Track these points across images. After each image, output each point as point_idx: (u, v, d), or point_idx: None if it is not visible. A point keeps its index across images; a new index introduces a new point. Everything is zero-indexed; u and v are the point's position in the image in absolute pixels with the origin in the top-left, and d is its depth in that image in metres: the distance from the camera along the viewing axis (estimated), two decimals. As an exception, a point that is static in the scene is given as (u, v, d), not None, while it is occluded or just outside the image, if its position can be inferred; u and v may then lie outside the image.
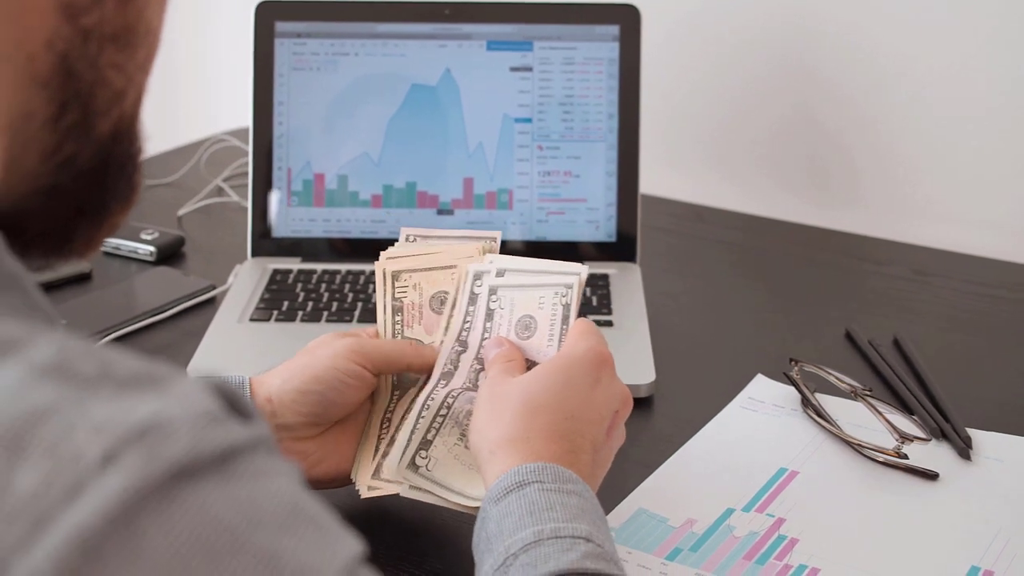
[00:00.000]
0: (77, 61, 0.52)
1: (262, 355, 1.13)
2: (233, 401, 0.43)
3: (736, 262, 1.43)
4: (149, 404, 0.39)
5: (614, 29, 1.34)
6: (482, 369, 0.87)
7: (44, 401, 0.38)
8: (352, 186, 1.34)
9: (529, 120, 1.34)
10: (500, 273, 0.89)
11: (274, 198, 1.34)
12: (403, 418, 0.89)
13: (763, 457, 1.01)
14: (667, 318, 1.24)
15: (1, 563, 0.35)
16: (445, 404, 0.86)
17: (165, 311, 1.25)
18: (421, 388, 0.90)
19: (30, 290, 0.50)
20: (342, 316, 1.23)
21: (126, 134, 0.57)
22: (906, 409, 1.06)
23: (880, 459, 0.99)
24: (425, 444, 0.85)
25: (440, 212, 1.34)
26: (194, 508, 0.37)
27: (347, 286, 1.28)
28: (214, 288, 1.30)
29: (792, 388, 1.10)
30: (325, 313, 1.23)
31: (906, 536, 0.91)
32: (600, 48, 1.34)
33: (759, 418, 1.07)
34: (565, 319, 0.85)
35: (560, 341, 0.85)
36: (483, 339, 0.88)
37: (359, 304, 1.25)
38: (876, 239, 1.45)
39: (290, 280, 1.29)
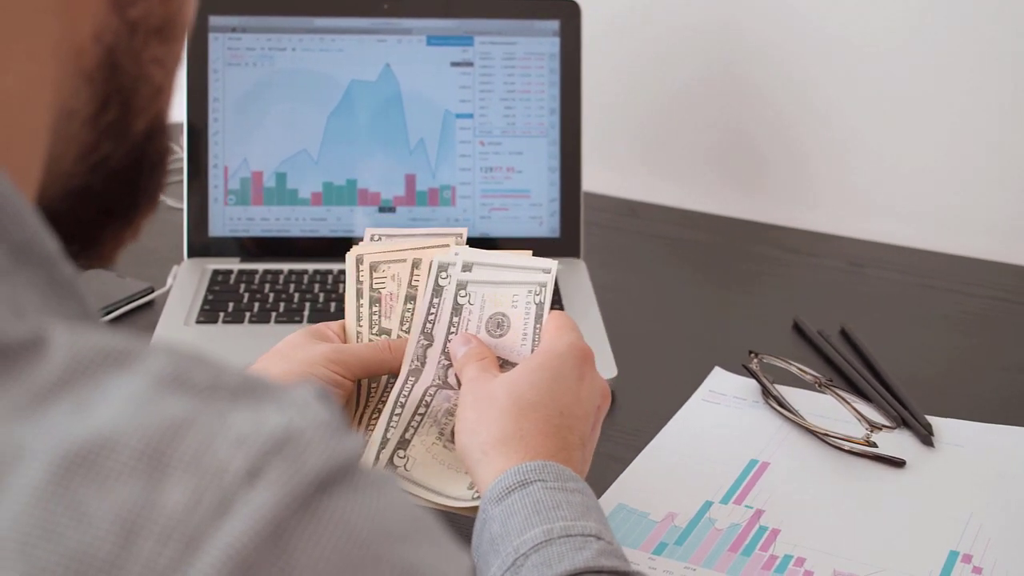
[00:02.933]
0: (123, 55, 0.50)
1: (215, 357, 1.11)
2: (326, 399, 0.41)
3: (675, 256, 1.44)
4: (277, 415, 0.37)
5: (554, 24, 1.33)
6: (450, 365, 0.85)
7: (177, 414, 0.36)
8: (291, 184, 1.32)
9: (471, 116, 1.33)
10: (467, 267, 0.87)
11: (210, 197, 1.30)
12: (374, 416, 0.88)
13: (733, 449, 1.02)
14: (616, 313, 1.24)
15: None
16: (423, 403, 0.85)
17: (103, 315, 1.21)
18: (388, 386, 0.88)
19: (84, 297, 0.48)
20: (291, 317, 1.20)
21: (159, 132, 0.55)
22: (864, 398, 1.08)
23: (848, 448, 1.00)
24: (403, 443, 0.83)
25: (382, 210, 1.32)
26: (333, 522, 0.36)
27: (292, 286, 1.25)
28: (153, 291, 1.26)
29: (750, 379, 1.11)
30: (273, 314, 1.21)
31: (883, 523, 0.93)
32: (541, 43, 1.33)
33: (722, 410, 1.08)
34: (539, 317, 0.85)
35: (534, 339, 0.84)
36: (449, 334, 0.86)
37: (307, 304, 1.23)
38: (808, 232, 1.48)
39: (232, 280, 1.26)
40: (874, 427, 0.99)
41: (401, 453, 0.83)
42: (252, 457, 0.35)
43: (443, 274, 0.87)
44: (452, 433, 0.84)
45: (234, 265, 1.29)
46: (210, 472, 0.35)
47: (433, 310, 0.87)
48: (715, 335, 1.23)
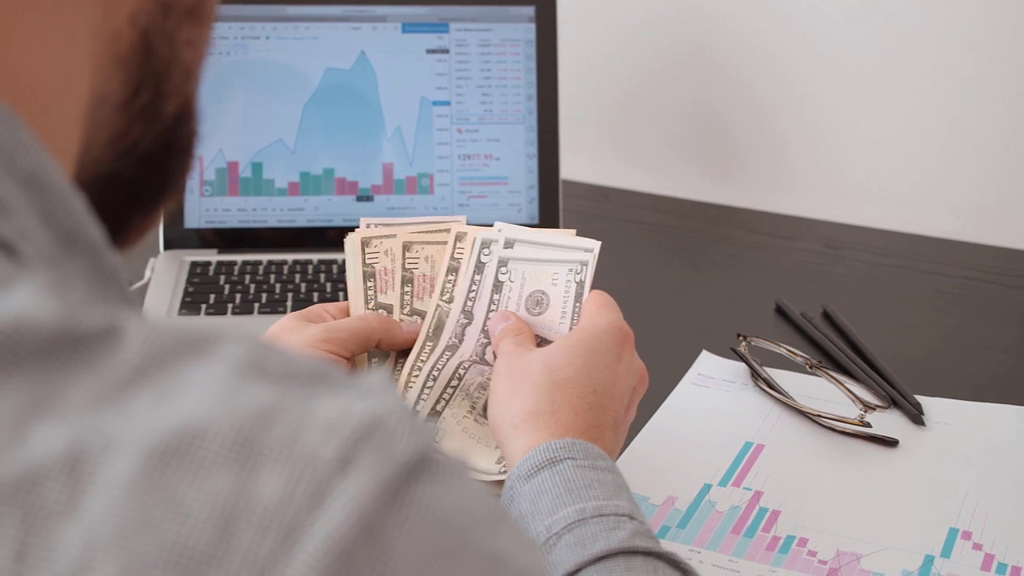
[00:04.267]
0: (157, 38, 0.49)
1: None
2: (393, 386, 0.41)
3: (652, 241, 1.44)
4: (359, 401, 0.36)
5: (530, 10, 1.33)
6: (488, 343, 0.85)
7: (264, 401, 0.35)
8: (267, 174, 1.31)
9: (447, 103, 1.32)
10: (509, 244, 0.87)
11: (186, 188, 1.29)
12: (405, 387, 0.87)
13: (726, 432, 1.02)
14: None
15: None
16: (456, 375, 0.84)
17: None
18: (398, 359, 0.87)
19: (126, 286, 0.47)
20: (275, 307, 1.19)
21: (189, 115, 0.54)
22: (853, 378, 1.09)
23: (842, 429, 1.01)
24: (434, 415, 0.83)
25: (360, 199, 1.31)
26: (423, 510, 0.35)
27: (272, 276, 1.24)
28: (131, 284, 1.25)
29: (738, 362, 1.11)
30: (256, 305, 1.20)
31: (881, 503, 0.93)
32: (516, 29, 1.33)
33: (712, 394, 1.08)
34: (579, 296, 0.84)
35: (573, 318, 0.84)
36: (489, 311, 0.86)
37: (289, 295, 1.21)
38: (780, 215, 1.48)
39: (211, 272, 1.25)
40: (868, 407, 1.00)
41: (432, 423, 0.82)
42: (343, 445, 0.35)
43: (485, 250, 0.87)
44: (483, 407, 0.83)
45: (212, 257, 1.27)
46: (302, 461, 0.34)
47: (474, 287, 0.86)
48: (698, 319, 1.23)
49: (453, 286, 0.88)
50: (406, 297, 0.89)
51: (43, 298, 0.36)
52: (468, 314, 0.86)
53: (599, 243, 0.85)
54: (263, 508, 0.33)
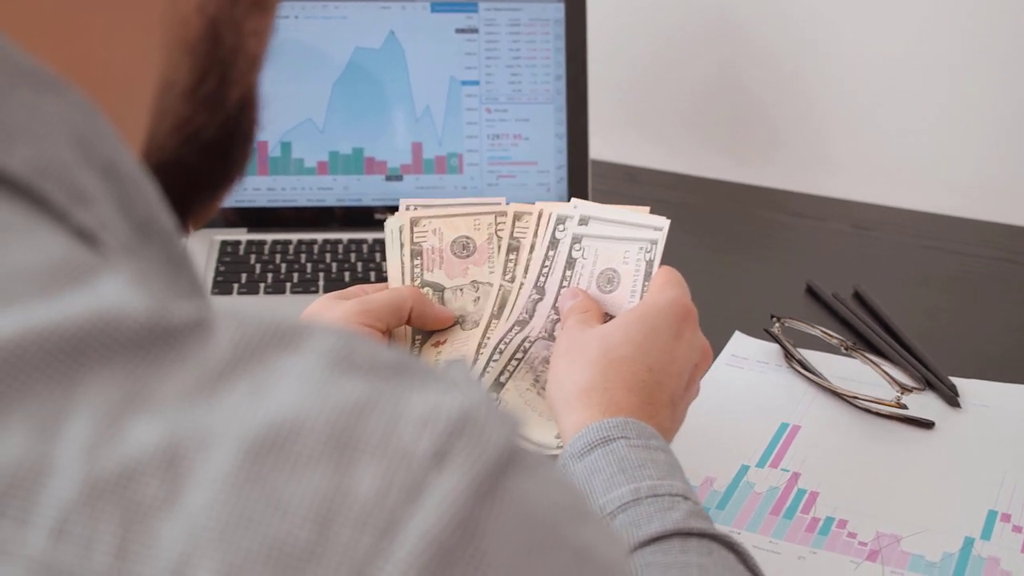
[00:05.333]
0: (224, 25, 0.49)
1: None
2: (475, 378, 0.41)
3: (680, 222, 1.42)
4: (448, 395, 0.36)
5: (559, -11, 1.32)
6: (558, 320, 0.85)
7: (357, 395, 0.35)
8: (296, 153, 1.30)
9: (476, 83, 1.32)
10: (583, 220, 0.87)
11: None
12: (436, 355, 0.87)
13: (762, 413, 1.02)
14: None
15: (357, 573, 0.32)
16: (522, 348, 0.84)
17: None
18: (441, 339, 0.87)
19: (195, 272, 0.47)
20: (307, 287, 1.19)
21: (252, 103, 0.54)
22: (887, 360, 1.09)
23: (878, 411, 1.01)
24: (497, 386, 0.83)
25: (389, 178, 1.31)
26: (515, 504, 0.35)
27: (303, 256, 1.24)
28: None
29: (771, 343, 1.11)
30: (288, 284, 1.20)
31: (919, 485, 0.93)
32: (545, 9, 1.32)
33: (746, 375, 1.08)
34: (648, 275, 0.84)
35: (641, 297, 0.84)
36: (561, 287, 0.86)
37: (320, 274, 1.21)
38: (809, 195, 1.48)
39: (241, 252, 1.25)
40: (904, 389, 1.00)
41: (494, 396, 0.83)
42: (437, 439, 0.34)
43: (560, 227, 0.87)
44: (546, 381, 0.83)
45: (241, 236, 1.28)
46: (398, 455, 0.34)
47: (548, 263, 0.86)
48: (729, 300, 1.23)
49: (515, 265, 0.88)
50: (416, 269, 0.89)
51: (132, 290, 0.36)
52: (540, 290, 0.86)
53: (668, 221, 0.85)
54: (360, 504, 0.33)
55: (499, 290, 0.88)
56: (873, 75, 1.46)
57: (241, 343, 0.36)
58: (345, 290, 0.88)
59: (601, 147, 1.55)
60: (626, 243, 0.86)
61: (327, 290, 1.19)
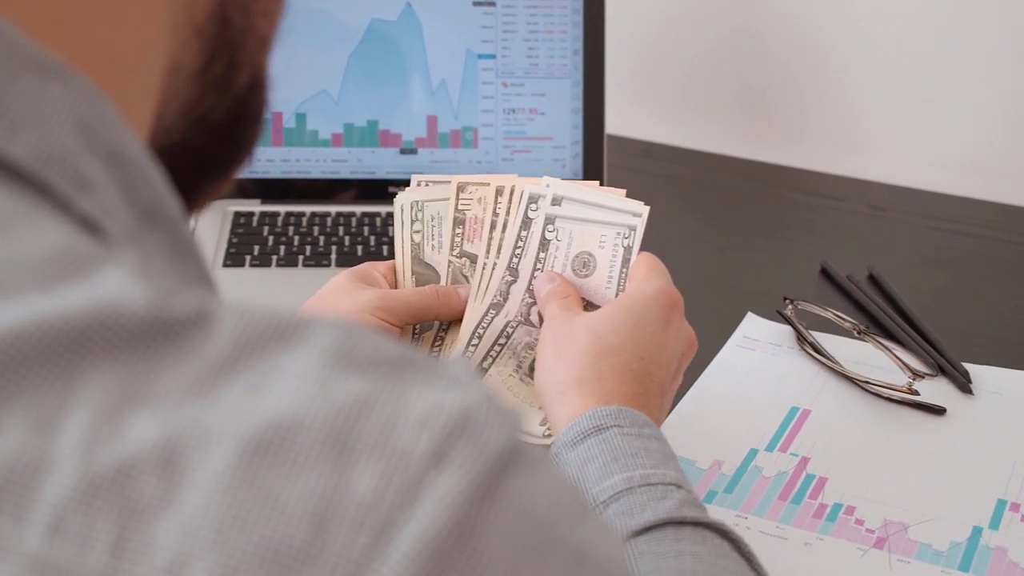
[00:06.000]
0: (232, 7, 0.49)
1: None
2: (477, 374, 0.40)
3: (691, 199, 1.43)
4: (449, 393, 0.36)
5: (578, -37, 1.31)
6: (533, 303, 0.84)
7: (357, 393, 0.35)
8: (311, 125, 1.30)
9: (493, 56, 1.31)
10: (556, 201, 0.85)
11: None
12: (435, 347, 0.86)
13: (772, 396, 1.02)
14: (642, 257, 1.23)
15: (353, 575, 0.32)
16: (504, 333, 0.83)
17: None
18: (439, 331, 0.87)
19: (201, 258, 0.47)
20: (319, 260, 1.19)
21: (261, 85, 0.54)
22: (900, 344, 1.08)
23: (889, 396, 1.00)
24: (480, 372, 0.82)
25: (403, 152, 1.31)
26: (514, 505, 0.35)
27: (316, 228, 1.24)
28: (174, 233, 1.24)
29: (783, 325, 1.11)
30: (300, 257, 1.19)
31: (928, 472, 0.93)
32: (564, -17, 1.31)
33: (758, 357, 1.08)
34: (626, 261, 0.83)
35: (619, 283, 0.83)
36: (535, 270, 0.84)
37: (333, 247, 1.21)
38: (825, 174, 1.47)
39: (254, 223, 1.25)
40: (916, 375, 0.99)
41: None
42: (436, 439, 0.34)
43: (532, 206, 0.85)
44: (529, 367, 0.83)
45: (255, 207, 1.27)
46: (396, 456, 0.34)
47: (520, 243, 0.85)
48: (743, 280, 1.23)
49: (501, 243, 0.86)
50: (456, 238, 0.88)
51: (134, 282, 0.36)
52: (513, 271, 0.85)
53: (648, 208, 0.84)
54: (357, 504, 0.33)
55: (482, 269, 0.86)
56: (894, 55, 1.45)
57: (242, 337, 0.36)
58: (360, 269, 0.87)
59: (616, 122, 1.54)
60: (602, 227, 0.84)
61: (339, 264, 1.18)
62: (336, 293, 0.85)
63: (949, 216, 1.37)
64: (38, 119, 0.39)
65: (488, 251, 0.86)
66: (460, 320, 0.86)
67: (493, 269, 0.85)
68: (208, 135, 0.52)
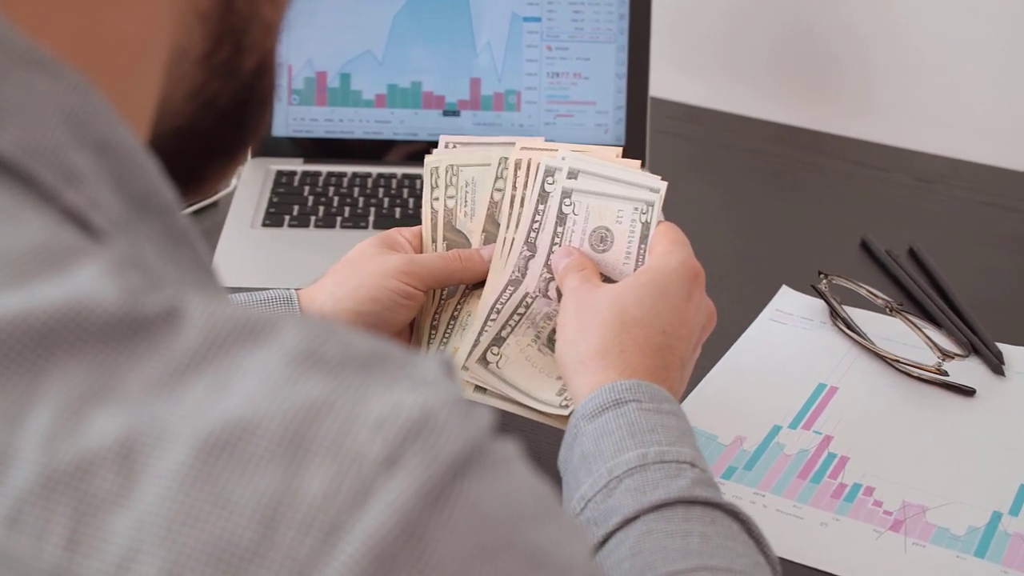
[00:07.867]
0: None
1: (282, 262, 1.13)
2: (450, 372, 0.41)
3: (740, 167, 1.42)
4: (411, 394, 0.37)
5: (626, -74, 1.30)
6: (551, 278, 0.84)
7: (316, 395, 0.35)
8: (355, 85, 1.30)
9: (538, 19, 1.31)
10: (572, 174, 0.85)
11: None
12: (450, 321, 0.87)
13: (800, 372, 1.02)
14: (680, 226, 1.23)
15: (298, 575, 0.33)
16: (523, 304, 0.84)
17: (169, 214, 1.21)
18: (463, 295, 0.88)
19: (197, 245, 0.47)
20: (356, 222, 1.20)
21: (268, 70, 0.54)
22: (934, 323, 1.07)
23: (918, 375, 1.00)
24: (498, 340, 0.83)
25: (446, 113, 1.31)
26: (468, 508, 0.36)
27: (356, 189, 1.25)
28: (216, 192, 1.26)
29: (817, 299, 1.10)
30: (339, 219, 1.21)
31: (952, 454, 0.93)
32: (611, -54, 1.30)
33: (789, 331, 1.08)
34: (644, 238, 0.83)
35: (638, 259, 0.83)
36: (553, 244, 0.84)
37: (371, 209, 1.22)
38: (874, 144, 1.45)
39: (296, 183, 1.26)
40: (946, 355, 0.98)
41: (495, 350, 0.83)
42: (390, 443, 0.35)
43: (549, 179, 0.85)
44: (548, 337, 0.83)
45: (297, 167, 1.28)
46: (349, 458, 0.34)
47: (538, 217, 0.85)
48: (781, 251, 1.22)
49: (520, 217, 0.86)
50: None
51: (106, 280, 0.37)
52: (531, 246, 0.85)
53: (665, 184, 0.84)
54: (307, 506, 0.34)
55: (502, 243, 0.86)
56: (945, 23, 1.42)
57: (210, 336, 0.37)
58: (386, 236, 0.88)
59: (659, 86, 1.53)
60: (620, 201, 0.84)
61: (377, 226, 1.19)
62: (363, 258, 0.86)
63: (998, 191, 1.35)
64: (27, 113, 0.40)
65: (508, 226, 0.86)
66: (483, 282, 0.87)
67: (512, 244, 0.85)
68: (216, 119, 0.53)
